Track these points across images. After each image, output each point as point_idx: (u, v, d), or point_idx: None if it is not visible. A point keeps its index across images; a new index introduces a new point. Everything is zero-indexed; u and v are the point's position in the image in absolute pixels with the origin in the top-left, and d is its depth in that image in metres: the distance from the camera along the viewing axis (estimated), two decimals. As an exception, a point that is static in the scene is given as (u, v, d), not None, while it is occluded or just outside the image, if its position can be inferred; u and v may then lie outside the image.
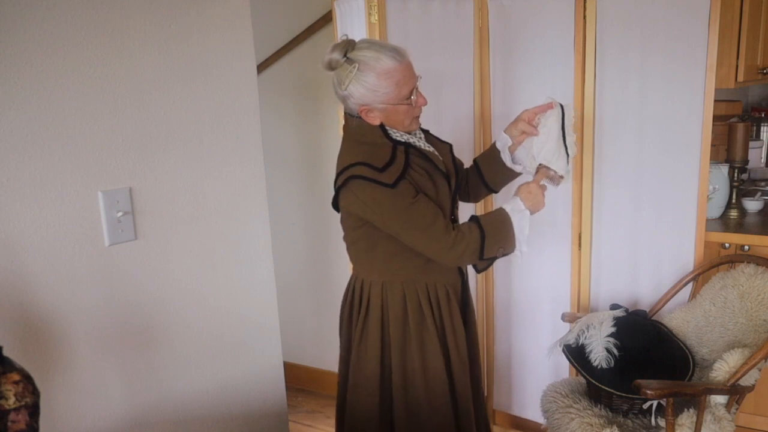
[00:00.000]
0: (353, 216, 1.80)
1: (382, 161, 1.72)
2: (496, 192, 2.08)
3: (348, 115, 1.80)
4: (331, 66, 1.71)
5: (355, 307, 1.92)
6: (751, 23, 2.54)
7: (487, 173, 2.02)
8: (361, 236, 1.83)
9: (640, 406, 2.01)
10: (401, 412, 1.90)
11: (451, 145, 1.95)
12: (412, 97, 1.74)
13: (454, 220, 1.90)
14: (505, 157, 1.96)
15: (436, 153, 1.86)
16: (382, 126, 1.75)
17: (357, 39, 1.75)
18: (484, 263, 1.85)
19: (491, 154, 2.00)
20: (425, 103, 1.79)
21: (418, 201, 1.72)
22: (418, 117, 1.81)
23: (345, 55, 1.69)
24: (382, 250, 1.82)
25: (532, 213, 1.81)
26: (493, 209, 1.89)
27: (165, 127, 1.60)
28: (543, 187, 1.84)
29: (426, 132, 1.93)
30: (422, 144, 1.83)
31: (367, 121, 1.74)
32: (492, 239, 1.76)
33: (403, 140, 1.78)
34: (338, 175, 1.76)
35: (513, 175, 2.01)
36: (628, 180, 2.42)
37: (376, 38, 2.31)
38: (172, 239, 1.65)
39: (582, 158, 2.45)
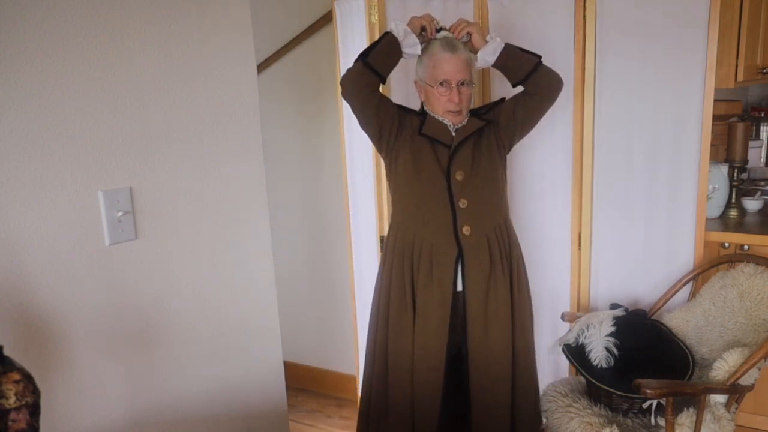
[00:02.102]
0: None
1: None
2: (522, 84, 2.09)
3: None
4: None
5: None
6: (750, 23, 2.54)
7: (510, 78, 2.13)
8: (390, 184, 2.18)
9: (640, 405, 2.01)
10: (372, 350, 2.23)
11: (486, 122, 2.12)
12: (443, 86, 2.02)
13: (450, 181, 2.06)
14: (482, 63, 2.10)
15: (449, 128, 2.08)
16: (422, 103, 2.14)
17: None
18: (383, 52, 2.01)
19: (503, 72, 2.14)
20: (454, 101, 2.03)
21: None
22: (452, 112, 2.06)
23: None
24: (393, 194, 2.17)
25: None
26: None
27: (165, 127, 1.60)
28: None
29: (480, 115, 2.14)
30: (446, 122, 2.08)
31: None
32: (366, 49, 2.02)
33: (427, 111, 2.11)
34: None
35: (509, 66, 2.08)
36: (628, 179, 2.42)
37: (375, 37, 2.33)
38: (173, 239, 1.65)
39: (582, 157, 2.45)
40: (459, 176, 2.05)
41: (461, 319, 2.09)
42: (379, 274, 2.20)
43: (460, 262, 2.06)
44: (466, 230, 2.05)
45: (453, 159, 2.06)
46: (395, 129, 2.06)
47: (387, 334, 2.13)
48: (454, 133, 2.08)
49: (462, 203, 2.05)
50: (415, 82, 2.14)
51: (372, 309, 2.23)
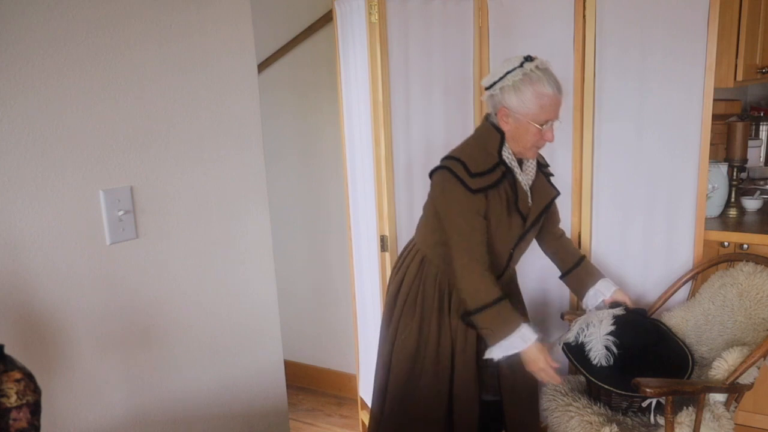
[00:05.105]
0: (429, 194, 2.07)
1: (479, 168, 1.93)
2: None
3: (485, 118, 2.03)
4: (506, 65, 1.92)
5: (400, 269, 2.15)
6: (750, 22, 2.54)
7: (571, 281, 2.28)
8: (427, 210, 2.09)
9: (640, 404, 2.02)
10: (399, 380, 2.12)
11: (555, 195, 2.13)
12: (545, 127, 1.91)
13: (511, 257, 2.07)
14: (583, 292, 2.23)
15: (528, 195, 2.03)
16: (502, 137, 1.95)
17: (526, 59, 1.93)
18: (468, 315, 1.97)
19: (582, 280, 2.24)
20: (551, 140, 1.94)
21: (478, 219, 1.92)
22: (538, 149, 1.99)
23: (521, 63, 1.89)
24: (432, 225, 2.04)
25: (522, 355, 1.93)
26: (514, 318, 1.95)
27: (166, 126, 1.61)
28: (548, 362, 1.94)
29: (542, 169, 2.10)
30: (522, 179, 2.01)
31: (499, 124, 1.95)
32: (487, 316, 1.91)
33: (508, 162, 1.97)
34: (444, 158, 1.99)
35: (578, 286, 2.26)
36: (627, 178, 2.42)
37: (376, 39, 2.34)
38: (173, 238, 1.65)
39: (581, 156, 2.45)
40: (524, 243, 2.11)
41: None
42: (406, 294, 2.13)
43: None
44: (506, 275, 2.13)
45: (526, 232, 2.07)
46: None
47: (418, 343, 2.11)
48: (527, 190, 2.02)
49: (513, 261, 2.12)
50: (502, 111, 1.93)
51: (384, 317, 2.21)
